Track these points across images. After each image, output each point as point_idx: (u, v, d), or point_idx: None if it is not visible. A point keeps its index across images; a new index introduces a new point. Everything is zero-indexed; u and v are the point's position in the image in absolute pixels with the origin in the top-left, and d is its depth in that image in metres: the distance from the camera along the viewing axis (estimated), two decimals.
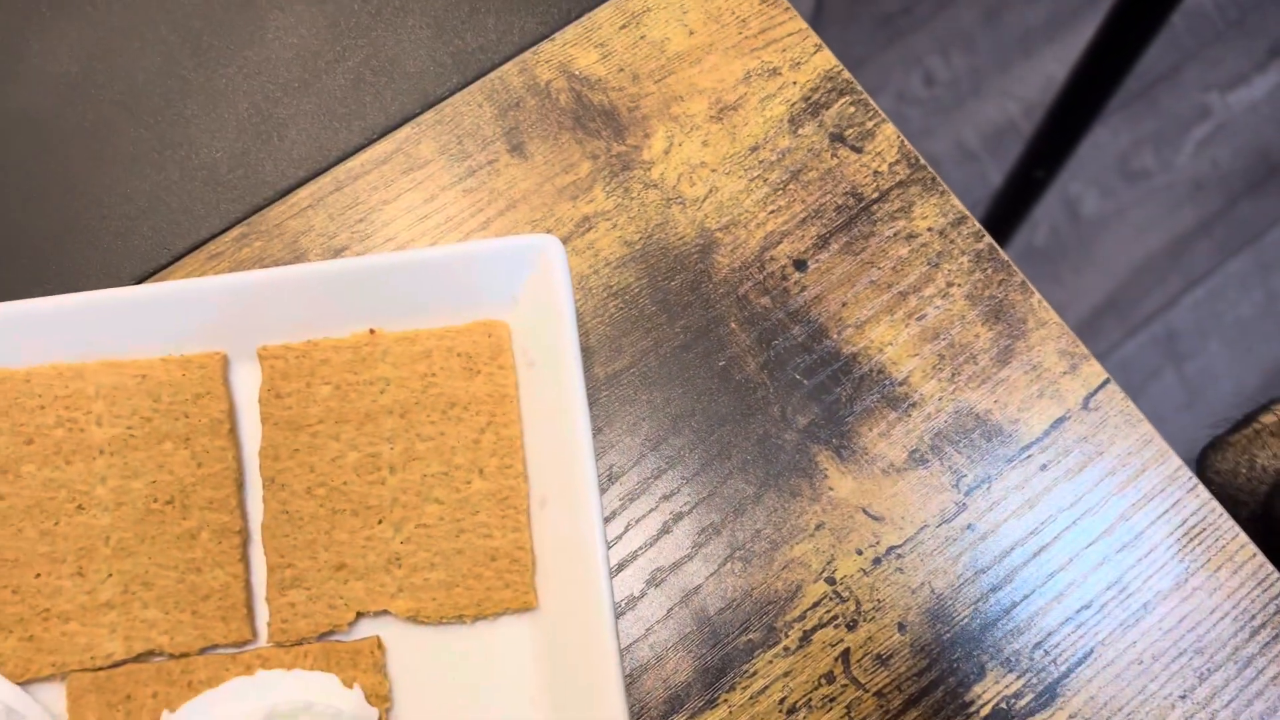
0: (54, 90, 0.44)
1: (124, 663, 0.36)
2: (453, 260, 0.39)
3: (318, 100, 0.44)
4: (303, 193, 0.43)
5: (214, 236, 0.43)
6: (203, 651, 0.37)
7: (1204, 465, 0.55)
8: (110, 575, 0.37)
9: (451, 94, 0.44)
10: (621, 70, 0.45)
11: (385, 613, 0.37)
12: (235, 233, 0.43)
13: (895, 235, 0.43)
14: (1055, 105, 0.92)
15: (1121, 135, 1.50)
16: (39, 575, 0.37)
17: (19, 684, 0.36)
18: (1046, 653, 0.39)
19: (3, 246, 0.42)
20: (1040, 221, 1.44)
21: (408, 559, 0.37)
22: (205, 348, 0.39)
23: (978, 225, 0.44)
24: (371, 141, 0.44)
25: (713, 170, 0.44)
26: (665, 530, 0.40)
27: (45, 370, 0.38)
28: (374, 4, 0.45)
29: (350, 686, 0.35)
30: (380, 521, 0.38)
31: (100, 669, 0.36)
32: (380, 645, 0.37)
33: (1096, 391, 0.42)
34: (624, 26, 0.46)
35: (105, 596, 0.37)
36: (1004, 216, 1.09)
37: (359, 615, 0.37)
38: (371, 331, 0.39)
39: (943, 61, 1.55)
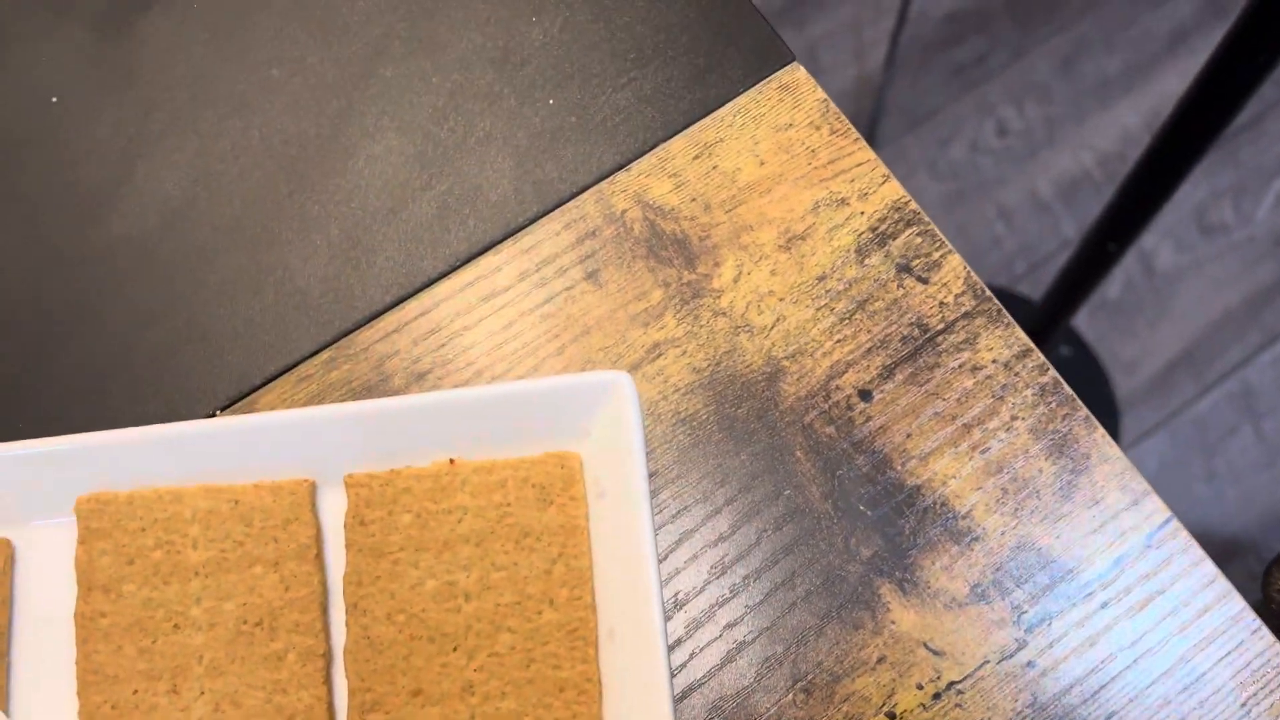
0: (158, 214, 0.47)
1: None
2: (530, 395, 0.41)
3: (405, 227, 0.46)
4: (389, 318, 0.45)
5: (304, 359, 0.45)
6: None
7: (1267, 583, 0.55)
8: (202, 693, 0.39)
9: (531, 222, 0.46)
10: (694, 200, 0.47)
11: None
12: (325, 356, 0.45)
13: (960, 367, 0.44)
14: (1128, 178, 0.91)
15: (1199, 188, 1.48)
16: (136, 691, 0.39)
17: None
18: None
19: (104, 367, 0.45)
20: (1115, 275, 1.42)
21: (480, 687, 0.39)
22: (295, 474, 0.41)
23: (1042, 358, 0.44)
24: (455, 268, 0.46)
25: (780, 299, 0.45)
26: (729, 659, 0.41)
27: (146, 493, 0.41)
28: (459, 135, 0.48)
29: None
30: (455, 649, 0.39)
31: None
32: None
33: (1159, 529, 0.42)
34: (697, 157, 0.47)
35: (197, 714, 0.39)
36: (1076, 282, 1.08)
37: None
38: (451, 461, 0.41)
39: (1016, 111, 1.55)
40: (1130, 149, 1.50)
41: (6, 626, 0.40)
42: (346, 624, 0.40)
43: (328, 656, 0.40)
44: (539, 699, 0.39)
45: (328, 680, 0.40)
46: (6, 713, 0.39)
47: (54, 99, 0.48)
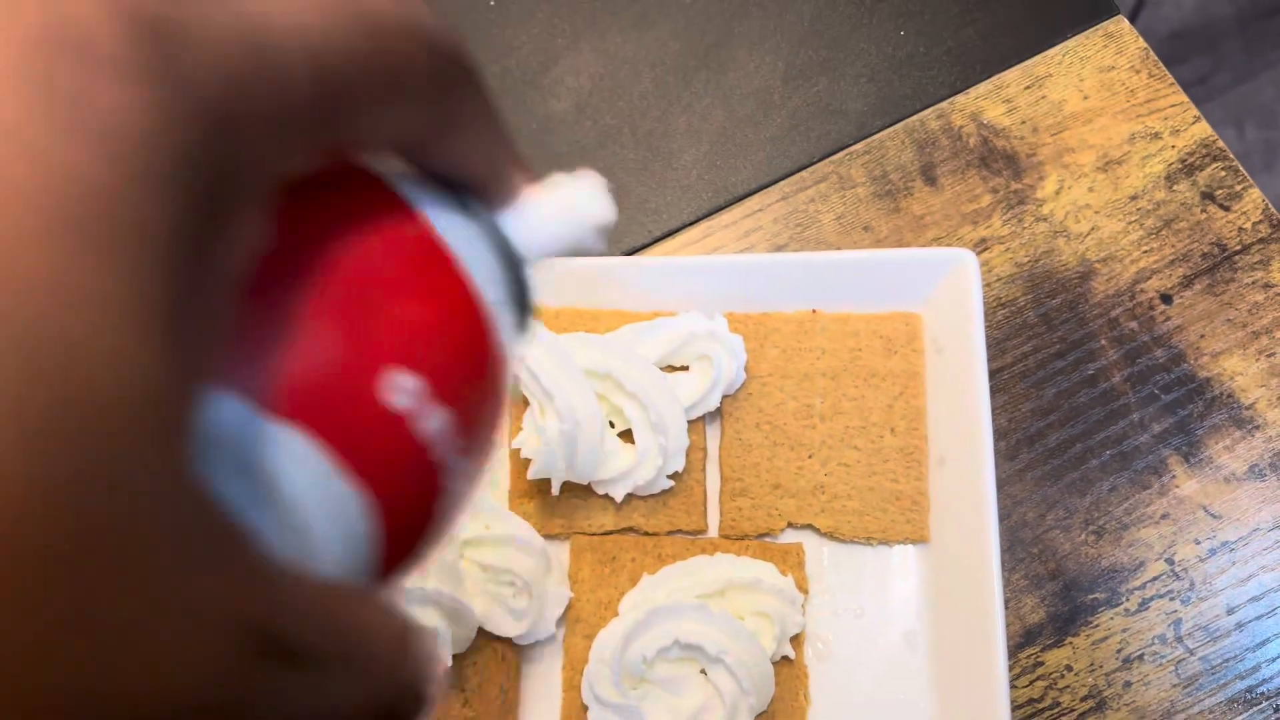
0: (572, 100, 0.57)
1: (612, 533, 0.48)
2: (885, 262, 0.49)
3: (770, 127, 0.56)
4: (753, 200, 0.55)
5: (683, 228, 0.55)
6: (669, 534, 0.48)
7: None
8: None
9: (880, 130, 0.55)
10: (1023, 122, 0.54)
11: (808, 527, 0.48)
12: (701, 227, 0.54)
13: (1253, 284, 0.51)
14: None
15: None
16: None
17: (543, 535, 0.48)
18: None
19: None
20: None
21: (830, 488, 0.48)
22: (680, 308, 0.51)
23: None
24: (812, 163, 0.55)
25: (1096, 212, 0.53)
26: (1034, 505, 0.49)
27: (569, 312, 0.51)
28: (821, 55, 0.57)
29: (786, 575, 0.46)
30: (810, 457, 0.48)
31: (594, 535, 0.48)
32: (802, 550, 0.47)
33: None
34: (1028, 87, 0.55)
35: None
36: None
37: (788, 525, 0.48)
38: (813, 311, 0.50)
39: (1236, 133, 1.55)
40: None
41: None
42: (722, 428, 0.49)
43: (704, 451, 0.49)
44: (878, 504, 0.47)
45: (703, 470, 0.49)
46: None
47: (491, 2, 0.59)
